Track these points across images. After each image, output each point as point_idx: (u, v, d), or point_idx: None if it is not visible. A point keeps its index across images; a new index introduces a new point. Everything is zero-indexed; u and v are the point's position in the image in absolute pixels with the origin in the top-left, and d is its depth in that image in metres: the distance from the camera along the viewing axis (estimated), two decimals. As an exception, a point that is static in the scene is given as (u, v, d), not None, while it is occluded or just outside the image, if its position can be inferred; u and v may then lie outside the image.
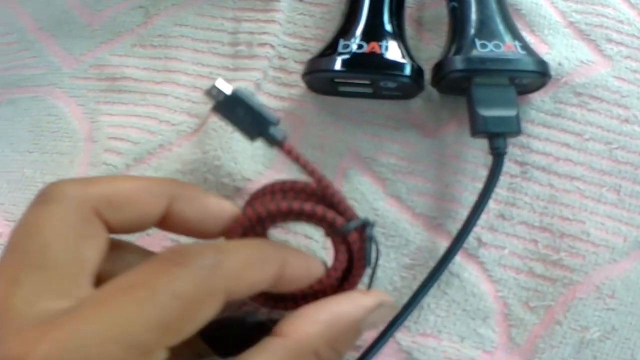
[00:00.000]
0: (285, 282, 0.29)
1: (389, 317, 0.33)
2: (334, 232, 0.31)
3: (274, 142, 0.31)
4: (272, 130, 0.31)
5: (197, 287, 0.24)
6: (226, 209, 0.31)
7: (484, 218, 0.37)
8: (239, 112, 0.31)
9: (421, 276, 0.36)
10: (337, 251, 0.32)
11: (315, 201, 0.32)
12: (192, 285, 0.24)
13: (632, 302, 0.36)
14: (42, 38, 0.47)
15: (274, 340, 0.28)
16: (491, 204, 0.38)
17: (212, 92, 0.31)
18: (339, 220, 0.31)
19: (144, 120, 0.42)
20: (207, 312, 0.25)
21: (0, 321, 0.23)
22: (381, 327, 0.35)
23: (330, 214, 0.31)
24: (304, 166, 0.31)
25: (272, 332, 0.28)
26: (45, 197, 0.27)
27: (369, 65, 0.37)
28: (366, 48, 0.37)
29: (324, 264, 0.31)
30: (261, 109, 0.31)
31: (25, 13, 0.48)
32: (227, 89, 0.31)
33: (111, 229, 0.28)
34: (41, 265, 0.25)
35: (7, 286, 0.24)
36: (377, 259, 0.32)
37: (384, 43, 0.37)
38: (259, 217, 0.31)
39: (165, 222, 0.30)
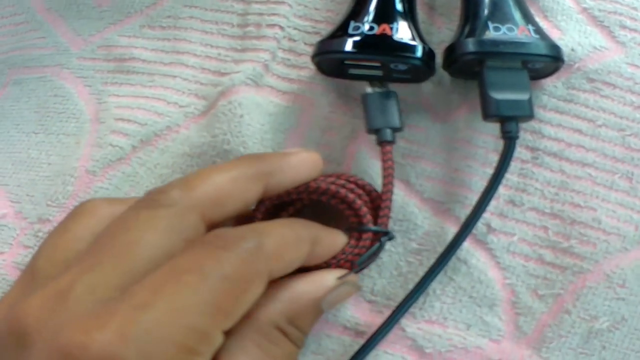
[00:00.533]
0: (314, 257, 0.31)
1: (350, 295, 0.34)
2: (355, 226, 0.34)
3: (383, 140, 0.35)
4: (387, 131, 0.35)
5: (242, 268, 0.25)
6: (308, 159, 0.33)
7: (493, 204, 0.37)
8: (379, 106, 0.36)
9: (428, 262, 0.36)
10: (348, 243, 0.33)
11: (366, 200, 0.34)
12: (238, 267, 0.25)
13: (642, 292, 0.35)
14: (50, 19, 0.47)
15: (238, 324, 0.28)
16: (501, 190, 0.37)
17: (373, 84, 0.37)
18: (368, 218, 0.33)
19: (152, 102, 0.42)
20: (254, 293, 0.26)
21: (59, 307, 0.24)
22: (386, 313, 0.35)
23: (364, 210, 0.34)
24: (386, 170, 0.34)
25: None
26: (151, 202, 0.28)
27: (379, 46, 0.36)
28: (377, 30, 0.37)
29: (347, 235, 0.33)
30: (398, 111, 0.36)
31: (34, -7, 0.48)
32: (387, 86, 0.37)
33: (212, 224, 0.29)
34: (122, 256, 0.26)
35: (80, 272, 0.25)
36: (364, 267, 0.34)
37: (395, 25, 0.37)
38: (307, 189, 0.33)
39: (264, 195, 0.31)
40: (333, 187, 0.33)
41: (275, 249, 0.27)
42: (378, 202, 0.34)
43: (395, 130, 0.36)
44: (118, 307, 0.23)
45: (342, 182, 0.34)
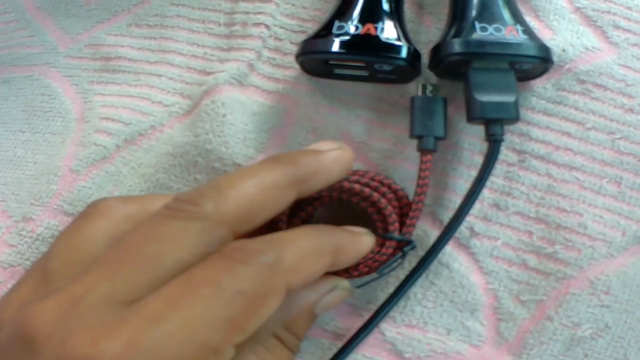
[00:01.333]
0: (336, 265, 0.30)
1: (344, 299, 0.33)
2: (381, 233, 0.34)
3: (424, 148, 0.36)
4: (430, 139, 0.36)
5: (260, 283, 0.25)
6: (342, 158, 0.32)
7: (477, 207, 0.37)
8: (426, 112, 0.36)
9: (410, 265, 0.36)
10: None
11: (395, 205, 0.34)
12: (255, 282, 0.25)
13: (627, 299, 0.35)
14: (39, 17, 0.47)
15: None
16: (486, 193, 0.37)
17: (425, 87, 0.37)
18: (395, 226, 0.33)
19: (136, 101, 0.42)
20: (270, 307, 0.26)
21: (71, 314, 0.24)
22: (366, 317, 0.35)
23: (394, 218, 0.33)
24: (422, 179, 0.35)
25: None
26: (181, 213, 0.27)
27: (363, 47, 0.37)
28: (361, 29, 0.37)
29: (372, 237, 0.33)
30: (444, 120, 0.36)
31: (24, -9, 0.48)
32: (439, 91, 0.37)
33: (240, 235, 0.28)
34: (146, 269, 0.25)
35: (98, 279, 0.25)
36: (386, 273, 0.34)
37: (380, 25, 0.37)
38: (341, 188, 0.33)
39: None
40: (367, 190, 0.33)
41: (294, 263, 0.27)
42: (406, 209, 0.34)
43: (439, 139, 0.36)
44: (130, 319, 0.23)
45: (366, 180, 0.34)
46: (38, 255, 0.38)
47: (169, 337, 0.23)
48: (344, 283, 0.32)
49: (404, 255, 0.34)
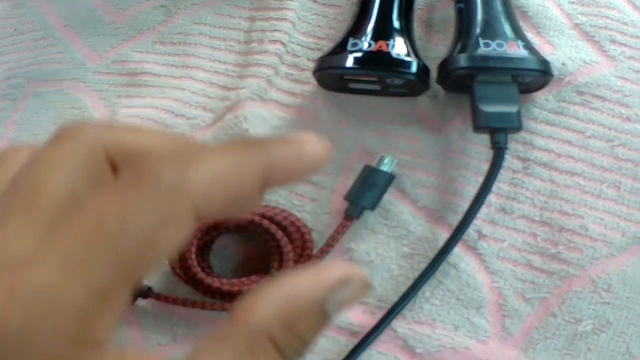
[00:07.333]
0: (274, 182, 0.24)
1: (362, 295, 0.26)
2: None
3: (350, 215, 0.39)
4: (358, 208, 0.40)
5: (155, 213, 0.20)
6: (318, 153, 0.25)
7: (485, 212, 0.40)
8: (369, 183, 0.39)
9: (419, 265, 0.38)
10: None
11: (299, 244, 0.39)
12: (149, 211, 0.20)
13: (628, 296, 0.37)
14: (67, 35, 0.50)
15: (226, 328, 0.24)
16: (493, 198, 0.40)
17: (382, 160, 0.40)
18: (289, 264, 0.38)
19: (160, 113, 0.45)
20: (169, 239, 0.21)
21: None
22: (378, 314, 0.37)
23: (289, 256, 0.38)
24: (331, 239, 0.39)
25: (229, 316, 0.24)
26: (66, 133, 0.23)
27: (376, 62, 0.39)
28: (374, 46, 0.39)
29: (323, 143, 0.25)
30: (380, 195, 0.40)
31: (53, 11, 0.51)
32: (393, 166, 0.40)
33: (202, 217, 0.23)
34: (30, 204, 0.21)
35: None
36: None
37: (391, 42, 0.40)
38: (249, 221, 0.38)
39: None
40: (273, 227, 0.37)
41: (205, 185, 0.21)
42: (308, 246, 0.38)
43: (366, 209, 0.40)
44: (8, 265, 0.20)
45: (273, 216, 0.38)
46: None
47: (47, 279, 0.19)
48: (359, 276, 0.25)
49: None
